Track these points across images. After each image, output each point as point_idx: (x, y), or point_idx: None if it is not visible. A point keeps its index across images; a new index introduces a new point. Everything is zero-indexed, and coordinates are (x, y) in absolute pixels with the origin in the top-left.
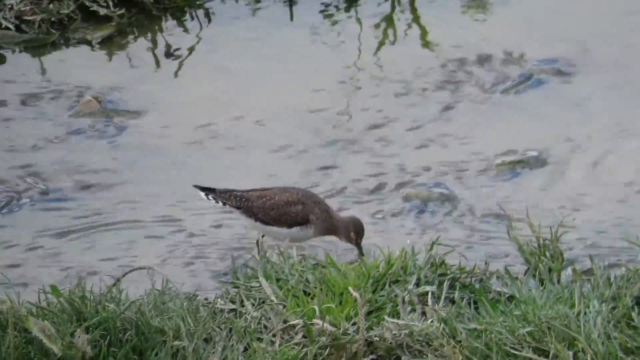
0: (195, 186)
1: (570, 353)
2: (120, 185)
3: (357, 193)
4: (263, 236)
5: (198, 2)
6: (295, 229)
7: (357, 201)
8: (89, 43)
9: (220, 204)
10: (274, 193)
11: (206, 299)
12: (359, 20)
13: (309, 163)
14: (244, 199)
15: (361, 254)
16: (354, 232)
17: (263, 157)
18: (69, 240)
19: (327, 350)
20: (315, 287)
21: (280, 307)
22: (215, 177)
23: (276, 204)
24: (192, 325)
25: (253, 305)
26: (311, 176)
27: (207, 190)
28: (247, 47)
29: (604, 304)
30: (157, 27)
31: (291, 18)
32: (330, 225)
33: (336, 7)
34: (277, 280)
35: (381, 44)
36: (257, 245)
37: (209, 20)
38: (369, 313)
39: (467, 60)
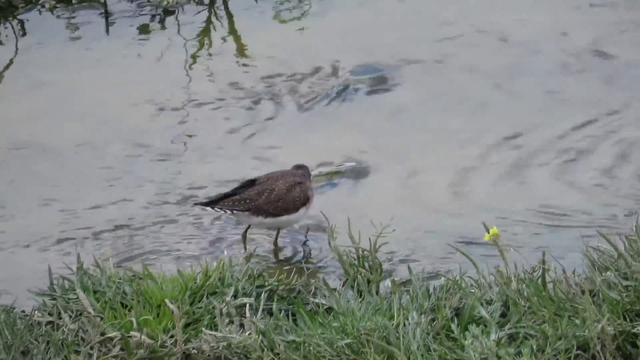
0: (197, 204)
1: None
2: None
3: (171, 203)
4: (247, 229)
5: (14, 14)
6: (302, 210)
7: (167, 213)
8: None
9: (229, 212)
10: (270, 185)
11: (23, 311)
12: (177, 33)
13: (124, 174)
14: (248, 200)
15: None
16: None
17: (81, 169)
18: None
19: None
20: (133, 299)
21: (98, 319)
22: (31, 189)
23: (279, 195)
24: (9, 338)
25: (70, 317)
26: (127, 188)
27: (212, 204)
28: (63, 60)
29: (423, 315)
30: None
31: (107, 31)
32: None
33: (152, 19)
34: (95, 292)
35: (196, 55)
36: (243, 240)
37: (25, 33)
38: (186, 325)
39: (284, 72)
